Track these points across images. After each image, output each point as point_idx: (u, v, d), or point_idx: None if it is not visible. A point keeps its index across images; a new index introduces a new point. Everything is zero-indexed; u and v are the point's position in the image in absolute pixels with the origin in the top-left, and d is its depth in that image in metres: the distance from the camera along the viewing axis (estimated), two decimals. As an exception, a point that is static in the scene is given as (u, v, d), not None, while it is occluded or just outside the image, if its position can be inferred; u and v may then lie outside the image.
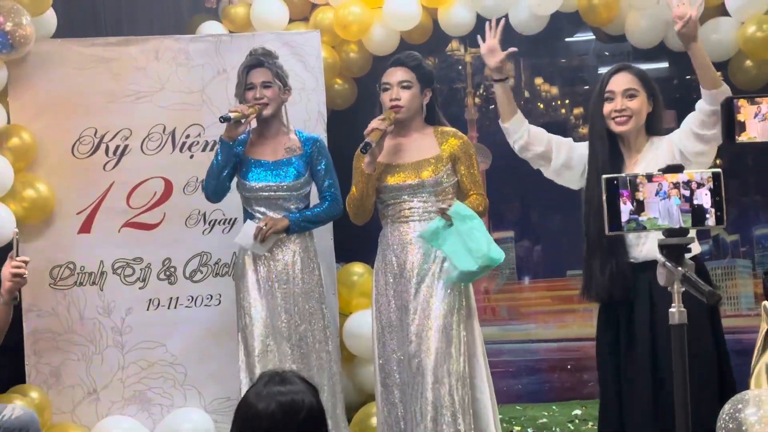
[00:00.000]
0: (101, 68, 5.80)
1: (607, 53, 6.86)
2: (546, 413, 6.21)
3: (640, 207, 2.05)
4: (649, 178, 2.05)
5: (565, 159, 4.34)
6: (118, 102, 5.81)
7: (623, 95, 4.03)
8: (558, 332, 6.63)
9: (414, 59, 4.72)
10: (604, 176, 2.05)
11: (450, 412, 4.37)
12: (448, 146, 4.64)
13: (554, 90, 7.17)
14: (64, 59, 5.79)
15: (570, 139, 4.43)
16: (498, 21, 4.53)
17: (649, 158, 3.99)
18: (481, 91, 7.05)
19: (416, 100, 4.63)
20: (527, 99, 7.09)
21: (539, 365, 6.63)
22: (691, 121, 4.02)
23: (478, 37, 4.62)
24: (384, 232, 4.71)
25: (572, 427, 5.93)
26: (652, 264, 3.79)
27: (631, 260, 3.98)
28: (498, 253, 4.42)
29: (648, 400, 3.91)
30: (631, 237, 3.95)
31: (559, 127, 7.06)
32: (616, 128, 4.01)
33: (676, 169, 2.04)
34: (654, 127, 4.08)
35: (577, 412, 6.08)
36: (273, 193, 4.94)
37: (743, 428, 4.00)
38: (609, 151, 4.05)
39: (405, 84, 4.60)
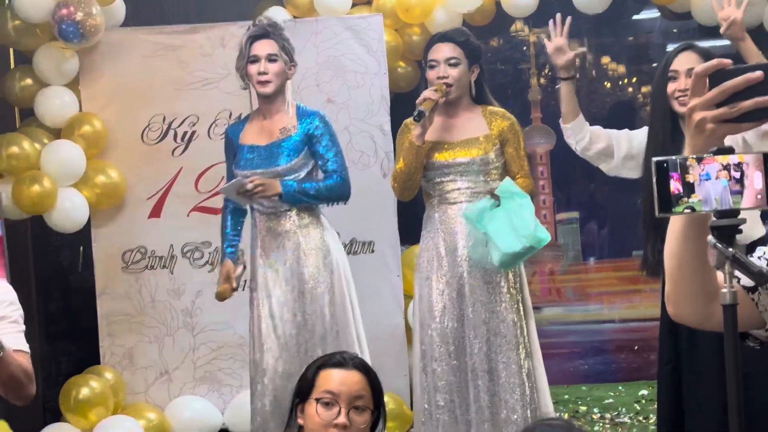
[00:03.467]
0: (169, 56, 5.92)
1: (675, 30, 6.80)
2: (612, 393, 6.21)
3: (689, 189, 2.05)
4: (699, 160, 2.05)
5: (626, 150, 4.31)
6: (185, 89, 5.92)
7: (687, 74, 3.98)
8: (624, 312, 6.62)
9: (462, 34, 4.56)
10: (654, 159, 2.06)
11: (507, 394, 4.34)
12: (497, 126, 4.50)
13: (621, 69, 7.13)
14: (133, 48, 5.91)
15: (626, 130, 4.40)
16: (564, 19, 4.47)
17: None
18: (546, 71, 7.04)
19: (465, 77, 4.47)
20: (594, 79, 7.06)
21: (605, 346, 6.62)
22: None
23: (544, 37, 4.57)
24: (430, 213, 4.54)
25: (638, 408, 5.92)
26: None
27: None
28: (545, 234, 4.28)
29: (712, 386, 3.89)
30: None
31: (626, 106, 7.03)
32: (680, 108, 3.98)
33: (726, 151, 2.04)
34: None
35: (644, 392, 6.07)
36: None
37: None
38: (670, 131, 4.03)
39: (453, 61, 4.44)
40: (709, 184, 2.00)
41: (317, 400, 2.76)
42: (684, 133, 4.07)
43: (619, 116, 6.93)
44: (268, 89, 4.53)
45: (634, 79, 7.08)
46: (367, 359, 4.60)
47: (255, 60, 4.52)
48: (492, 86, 7.02)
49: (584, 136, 4.36)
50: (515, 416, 4.30)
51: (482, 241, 4.37)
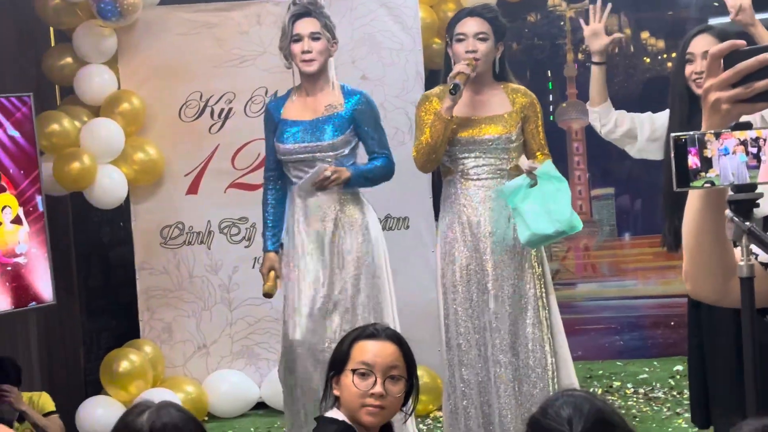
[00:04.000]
0: (205, 33, 5.98)
1: (716, 3, 6.75)
2: (647, 369, 6.21)
3: (707, 164, 2.07)
4: (717, 135, 2.07)
5: (649, 132, 4.33)
6: (222, 66, 5.98)
7: (703, 57, 4.01)
8: (659, 288, 6.60)
9: (491, 11, 4.54)
10: (672, 134, 2.08)
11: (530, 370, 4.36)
12: (519, 103, 4.49)
13: (660, 44, 7.08)
14: (170, 25, 5.98)
15: (648, 113, 4.41)
16: (604, 5, 4.47)
17: None
18: (583, 46, 7.01)
19: (491, 53, 4.45)
20: (633, 54, 7.02)
21: (640, 321, 6.61)
22: None
23: (581, 20, 4.57)
24: (451, 190, 4.53)
25: (672, 383, 5.92)
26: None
27: None
28: (578, 222, 4.30)
29: (729, 360, 3.91)
30: None
31: (665, 81, 6.99)
32: (698, 90, 4.00)
33: (744, 126, 2.06)
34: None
35: (679, 368, 6.06)
36: (309, 155, 4.54)
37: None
38: (688, 112, 4.05)
39: (481, 36, 4.41)
40: (727, 159, 2.02)
41: (353, 371, 2.82)
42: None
43: (657, 91, 6.90)
44: (313, 67, 4.55)
45: (673, 54, 7.03)
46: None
47: (298, 39, 4.55)
48: (529, 62, 7.10)
49: (609, 121, 4.38)
50: (536, 391, 4.32)
51: (506, 216, 4.39)
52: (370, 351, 2.84)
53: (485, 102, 4.51)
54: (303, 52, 4.53)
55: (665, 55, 7.06)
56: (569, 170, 6.71)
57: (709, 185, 1.93)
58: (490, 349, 4.38)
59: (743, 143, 1.99)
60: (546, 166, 4.34)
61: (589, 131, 6.56)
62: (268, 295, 4.66)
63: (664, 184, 4.05)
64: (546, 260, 4.58)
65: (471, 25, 4.44)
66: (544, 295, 4.45)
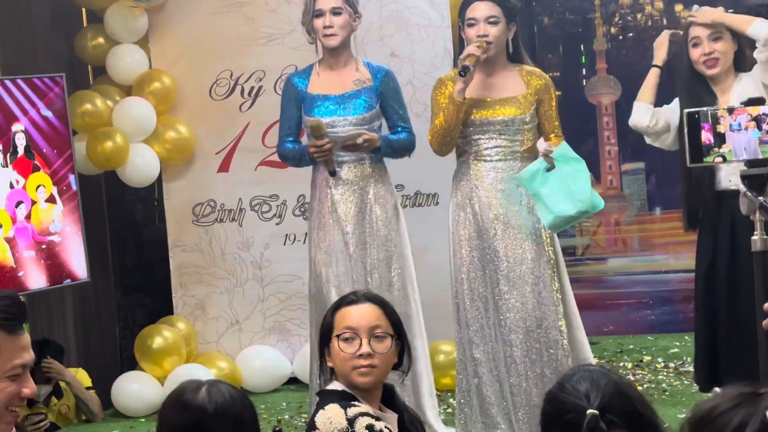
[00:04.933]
0: (235, 12, 6.01)
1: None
2: (678, 343, 6.20)
3: (720, 139, 2.09)
4: (730, 111, 2.09)
5: (663, 124, 4.36)
6: (251, 44, 6.02)
7: (709, 39, 4.07)
8: (690, 263, 6.49)
9: None
10: (686, 110, 2.10)
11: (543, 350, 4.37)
12: (533, 86, 4.51)
13: (694, 16, 7.02)
14: (200, 4, 6.02)
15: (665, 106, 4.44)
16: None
17: (737, 94, 4.00)
18: (617, 19, 6.97)
19: (503, 35, 4.48)
20: (665, 27, 6.97)
21: (672, 296, 6.60)
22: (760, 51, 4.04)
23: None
24: (464, 169, 4.57)
25: (704, 357, 5.91)
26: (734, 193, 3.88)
27: (726, 187, 4.04)
28: (599, 200, 4.32)
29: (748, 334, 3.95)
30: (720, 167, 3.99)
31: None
32: (707, 72, 4.08)
33: (757, 102, 2.07)
34: (741, 63, 4.09)
35: (710, 341, 6.04)
36: (342, 128, 4.62)
37: None
38: (697, 91, 4.10)
39: (492, 19, 4.44)
40: (740, 135, 2.04)
41: (338, 337, 2.87)
42: (715, 94, 4.11)
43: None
44: (334, 42, 4.63)
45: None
46: (418, 312, 4.70)
47: (320, 14, 4.62)
48: (561, 36, 7.07)
49: (643, 118, 4.41)
50: (549, 371, 4.33)
51: (517, 197, 4.41)
52: (351, 315, 2.92)
53: (499, 84, 4.53)
54: (325, 27, 4.59)
55: (683, 29, 7.01)
56: (599, 145, 6.69)
57: (721, 160, 1.95)
58: (502, 329, 4.40)
59: (756, 119, 2.01)
60: (562, 148, 4.33)
61: (619, 106, 6.57)
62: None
63: (681, 169, 4.11)
64: (557, 240, 4.58)
65: (481, 9, 4.46)
66: (556, 275, 4.44)
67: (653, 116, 4.41)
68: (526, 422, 4.38)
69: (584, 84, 6.76)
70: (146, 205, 6.53)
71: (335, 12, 4.60)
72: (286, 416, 5.64)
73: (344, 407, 2.78)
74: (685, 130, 2.09)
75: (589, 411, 1.98)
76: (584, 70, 6.88)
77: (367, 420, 2.78)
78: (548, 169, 4.33)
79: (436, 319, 5.24)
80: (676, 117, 4.33)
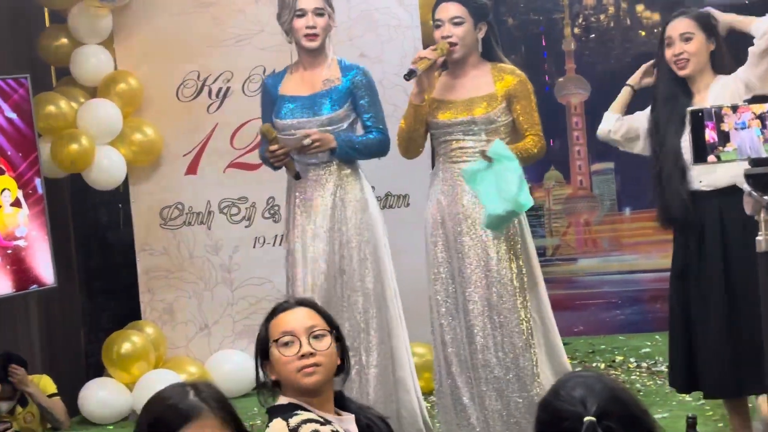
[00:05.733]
0: (202, 12, 5.94)
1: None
2: (649, 343, 6.22)
3: (725, 138, 2.06)
4: (734, 109, 2.07)
5: (626, 130, 4.38)
6: (219, 45, 5.95)
7: (680, 39, 4.10)
8: (660, 262, 6.58)
9: None
10: (689, 108, 2.09)
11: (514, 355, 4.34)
12: (503, 84, 4.41)
13: (656, 16, 7.06)
14: (166, 5, 5.95)
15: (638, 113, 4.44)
16: None
17: (713, 95, 4.03)
18: (580, 20, 6.98)
19: (470, 36, 4.38)
20: (628, 27, 7.00)
21: (642, 295, 6.62)
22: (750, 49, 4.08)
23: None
24: (436, 172, 4.52)
25: (675, 357, 5.93)
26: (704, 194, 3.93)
27: (697, 188, 4.07)
28: (526, 199, 4.21)
29: (720, 332, 3.99)
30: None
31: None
32: (679, 72, 4.11)
33: (761, 99, 2.05)
34: (719, 64, 4.11)
35: (681, 341, 6.07)
36: (309, 129, 4.47)
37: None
38: (674, 89, 4.14)
39: (456, 20, 4.35)
40: (744, 133, 2.02)
41: (276, 342, 2.83)
42: (692, 92, 4.14)
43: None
44: (316, 43, 4.53)
45: (669, 28, 7.00)
46: (400, 313, 4.65)
47: (302, 14, 4.51)
48: (525, 37, 7.06)
49: (605, 126, 4.43)
50: (510, 375, 4.30)
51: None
52: (286, 320, 2.87)
53: (467, 84, 4.46)
54: (307, 27, 4.50)
55: (661, 28, 7.03)
56: (569, 145, 6.70)
57: (714, 160, 1.93)
58: (465, 330, 4.36)
59: (760, 117, 1.99)
60: (495, 146, 4.24)
61: (588, 105, 6.58)
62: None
63: (652, 168, 4.15)
64: (532, 244, 4.51)
65: (447, 10, 4.38)
66: (526, 277, 4.39)
67: (617, 123, 4.41)
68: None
69: (547, 85, 6.76)
70: (112, 209, 6.43)
71: (318, 13, 4.51)
72: (258, 421, 5.57)
73: (286, 419, 2.73)
74: (689, 129, 2.06)
75: (587, 418, 1.95)
76: (547, 70, 6.89)
77: (312, 426, 2.73)
78: (489, 168, 4.28)
79: (410, 321, 5.18)
80: (645, 123, 4.33)
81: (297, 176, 4.48)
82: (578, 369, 4.65)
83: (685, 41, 4.14)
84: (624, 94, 4.48)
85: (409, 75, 4.24)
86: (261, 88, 4.80)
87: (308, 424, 2.72)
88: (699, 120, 2.07)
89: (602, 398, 1.99)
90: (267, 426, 2.75)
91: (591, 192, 6.71)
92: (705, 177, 4.01)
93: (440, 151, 4.50)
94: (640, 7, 7.01)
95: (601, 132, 4.52)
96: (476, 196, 4.33)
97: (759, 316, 3.77)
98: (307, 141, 4.38)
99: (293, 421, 2.72)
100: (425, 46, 5.97)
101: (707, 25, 4.15)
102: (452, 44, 4.35)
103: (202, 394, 2.25)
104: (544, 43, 6.96)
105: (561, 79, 6.76)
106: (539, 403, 2.08)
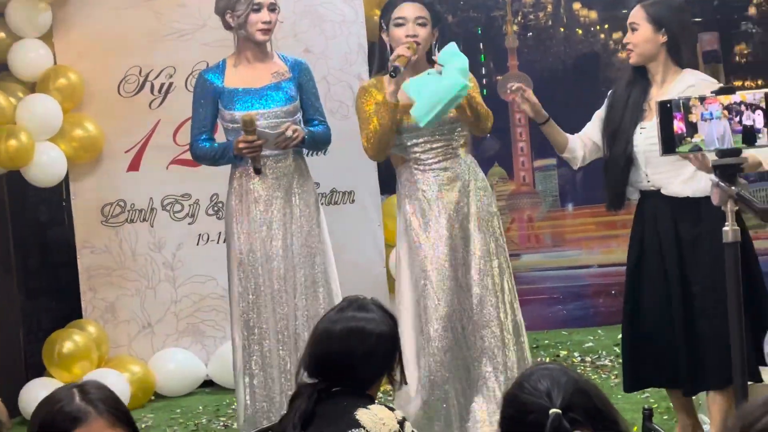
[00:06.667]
0: (143, 7, 5.86)
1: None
2: (592, 337, 6.28)
3: (693, 129, 2.08)
4: (702, 100, 2.08)
5: (589, 150, 4.37)
6: (161, 40, 5.88)
7: (630, 28, 4.15)
8: (602, 257, 6.67)
9: None
10: (657, 100, 2.09)
11: (501, 353, 4.33)
12: None
13: (593, 15, 7.12)
14: (107, -1, 5.85)
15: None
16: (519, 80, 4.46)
17: (674, 88, 4.06)
18: (519, 18, 7.03)
19: (429, 38, 4.40)
20: (566, 25, 7.05)
21: (584, 291, 6.68)
22: None
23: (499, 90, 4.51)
24: (409, 176, 4.43)
25: (618, 351, 5.97)
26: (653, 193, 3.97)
27: (645, 188, 4.11)
28: (459, 82, 4.13)
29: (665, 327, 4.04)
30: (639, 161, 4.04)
31: (597, 53, 7.04)
32: (629, 61, 4.17)
33: (728, 90, 2.07)
34: (679, 59, 4.11)
35: (622, 335, 6.14)
36: (264, 121, 4.52)
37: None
38: (636, 77, 4.16)
39: (421, 21, 4.36)
40: (712, 124, 2.04)
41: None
42: (651, 84, 4.18)
43: (590, 64, 6.97)
44: (269, 37, 4.61)
45: (606, 26, 7.08)
46: None
47: (259, 9, 4.55)
48: (464, 34, 7.08)
49: (577, 155, 4.38)
50: (489, 369, 4.30)
51: (465, 199, 4.37)
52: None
53: None
54: (263, 22, 4.55)
55: (598, 27, 7.10)
56: (512, 141, 6.74)
57: (697, 150, 1.94)
58: (465, 329, 4.33)
59: (727, 108, 2.01)
60: (450, 46, 4.23)
61: (531, 102, 6.61)
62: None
63: (606, 148, 4.17)
64: (505, 245, 4.53)
65: (410, 10, 4.38)
66: (507, 277, 4.41)
67: (581, 153, 4.37)
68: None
69: (484, 82, 6.78)
70: (52, 206, 6.30)
71: (272, 8, 4.57)
72: (203, 420, 5.52)
73: (391, 409, 2.77)
74: (657, 120, 2.07)
75: (552, 410, 1.96)
76: (483, 68, 6.92)
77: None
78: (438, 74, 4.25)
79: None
80: (598, 132, 4.32)
81: (259, 170, 4.46)
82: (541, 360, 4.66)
83: (632, 30, 4.17)
84: (549, 130, 4.35)
85: (395, 72, 4.21)
86: (198, 81, 4.74)
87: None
88: (667, 111, 2.08)
89: (567, 390, 2.01)
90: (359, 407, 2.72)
91: (534, 188, 6.76)
92: (656, 177, 4.03)
93: (408, 156, 4.41)
94: (577, 5, 7.08)
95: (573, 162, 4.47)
96: (468, 194, 4.34)
97: (715, 311, 3.85)
98: (288, 133, 4.43)
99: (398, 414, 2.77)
100: (370, 44, 5.98)
101: (657, 17, 4.13)
102: (417, 44, 4.34)
103: (89, 396, 2.26)
104: (482, 41, 7.00)
105: (502, 76, 6.80)
106: (504, 397, 2.08)
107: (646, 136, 4.00)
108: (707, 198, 3.74)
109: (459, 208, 4.38)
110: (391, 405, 2.85)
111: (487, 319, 4.32)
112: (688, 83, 4.01)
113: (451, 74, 4.18)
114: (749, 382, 3.88)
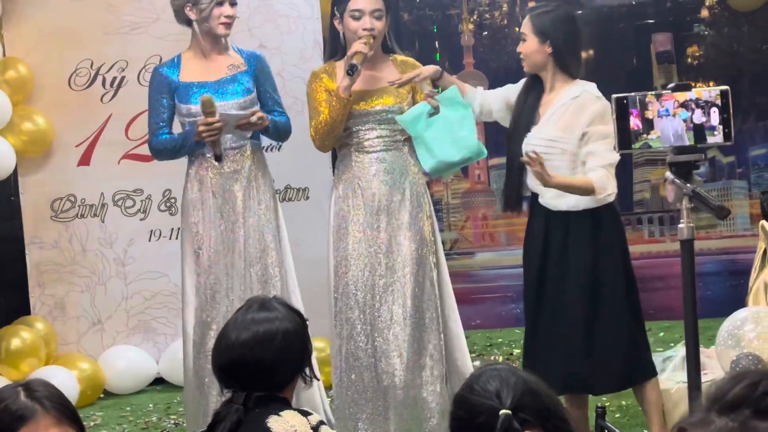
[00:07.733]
0: (96, -1, 5.79)
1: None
2: (545, 336, 6.29)
3: (649, 125, 2.08)
4: (658, 96, 2.08)
5: (487, 110, 4.42)
6: (113, 33, 5.80)
7: (521, 39, 4.18)
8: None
9: None
10: (614, 95, 2.08)
11: (426, 351, 4.33)
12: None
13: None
14: (58, -10, 5.77)
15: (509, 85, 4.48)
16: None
17: (560, 97, 4.10)
18: (475, 17, 7.03)
19: (385, 29, 4.44)
20: (521, 24, 7.07)
21: (537, 289, 6.69)
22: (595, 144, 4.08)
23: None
24: (346, 162, 4.48)
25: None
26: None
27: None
28: (484, 149, 4.36)
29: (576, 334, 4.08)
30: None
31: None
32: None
33: (684, 87, 2.06)
34: (567, 69, 4.13)
35: (575, 334, 6.15)
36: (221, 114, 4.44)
37: (741, 344, 4.10)
38: (535, 82, 4.20)
39: (377, 14, 4.37)
40: (667, 121, 2.03)
41: None
42: (545, 90, 4.23)
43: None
44: (229, 31, 4.61)
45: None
46: (300, 304, 4.60)
47: (221, 2, 4.55)
48: (419, 32, 7.08)
49: (474, 105, 4.41)
50: (430, 372, 4.32)
51: (401, 188, 4.39)
52: None
53: (376, 75, 4.49)
54: (225, 17, 4.55)
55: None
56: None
57: (648, 148, 1.95)
58: (382, 322, 4.34)
59: (683, 105, 2.01)
60: (452, 91, 4.31)
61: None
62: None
63: (508, 146, 4.21)
64: (439, 236, 4.56)
65: (366, 2, 4.39)
66: (437, 270, 4.42)
67: (477, 107, 4.42)
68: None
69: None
70: (1, 201, 6.22)
71: (233, 2, 4.57)
72: (154, 418, 5.46)
73: (304, 414, 2.67)
74: (614, 117, 2.06)
75: (502, 411, 1.95)
76: (440, 64, 6.91)
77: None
78: (431, 114, 4.30)
79: (307, 314, 5.12)
80: (500, 100, 4.37)
81: (219, 158, 4.43)
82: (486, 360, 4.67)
83: (522, 41, 4.21)
84: (449, 83, 4.47)
85: (352, 70, 4.25)
86: (153, 76, 4.70)
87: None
88: (624, 107, 2.07)
89: (517, 391, 1.99)
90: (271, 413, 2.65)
91: (488, 186, 6.76)
92: (533, 185, 4.09)
93: (351, 141, 4.47)
94: (532, 4, 7.08)
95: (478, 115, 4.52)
96: (403, 183, 4.34)
97: (615, 315, 3.94)
98: (254, 119, 4.41)
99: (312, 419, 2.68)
100: (324, 39, 5.94)
101: (542, 29, 4.16)
102: (374, 37, 4.36)
103: (35, 394, 2.24)
104: (438, 39, 7.00)
105: (458, 75, 6.79)
106: (453, 399, 2.07)
107: (528, 140, 4.07)
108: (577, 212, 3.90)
109: (390, 200, 4.39)
110: (305, 409, 2.76)
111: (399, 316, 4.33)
112: (573, 94, 4.08)
113: (469, 130, 4.26)
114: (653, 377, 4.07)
